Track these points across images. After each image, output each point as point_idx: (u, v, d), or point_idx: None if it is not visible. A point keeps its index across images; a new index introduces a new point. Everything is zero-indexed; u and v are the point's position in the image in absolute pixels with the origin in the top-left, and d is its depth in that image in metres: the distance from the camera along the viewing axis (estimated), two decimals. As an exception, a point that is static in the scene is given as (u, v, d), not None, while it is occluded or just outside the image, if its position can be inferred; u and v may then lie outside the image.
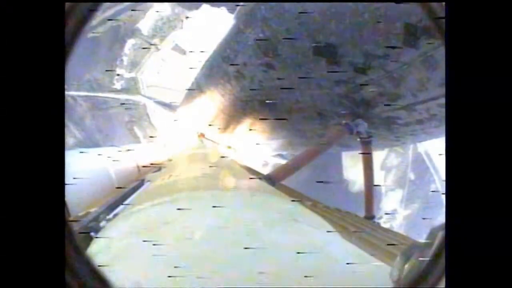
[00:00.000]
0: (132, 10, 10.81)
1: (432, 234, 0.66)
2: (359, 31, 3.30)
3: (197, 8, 10.97)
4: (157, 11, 10.86)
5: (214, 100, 7.19)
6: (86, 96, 11.53)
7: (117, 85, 11.62)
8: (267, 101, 5.52)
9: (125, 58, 11.57)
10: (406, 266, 0.67)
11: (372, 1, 3.03)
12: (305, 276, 0.79)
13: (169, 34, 11.39)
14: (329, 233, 1.44)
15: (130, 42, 11.48)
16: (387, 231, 2.93)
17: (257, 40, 4.41)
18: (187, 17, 11.31)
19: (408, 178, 16.08)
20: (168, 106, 13.26)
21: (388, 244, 2.05)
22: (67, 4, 0.58)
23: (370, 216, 5.08)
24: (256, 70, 4.89)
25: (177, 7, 11.33)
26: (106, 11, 10.86)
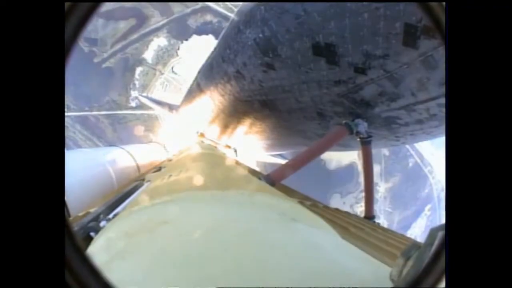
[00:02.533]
0: (137, 43, 13.71)
1: (432, 234, 0.66)
2: (359, 31, 3.30)
3: (187, 39, 14.07)
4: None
5: (214, 100, 7.19)
6: (106, 114, 14.12)
7: (133, 104, 14.42)
8: (267, 101, 5.52)
9: (136, 82, 14.45)
10: (406, 266, 0.67)
11: (372, 1, 3.03)
12: (305, 276, 0.79)
13: (169, 61, 14.42)
14: (328, 233, 1.44)
15: (138, 69, 14.41)
16: (387, 231, 2.93)
17: (257, 40, 4.41)
18: (178, 48, 14.33)
19: (383, 154, 16.46)
20: (168, 106, 13.35)
21: (388, 244, 2.05)
22: (67, 4, 0.58)
23: (370, 216, 5.08)
24: (256, 70, 4.89)
25: (172, 39, 14.28)
26: (114, 46, 13.73)
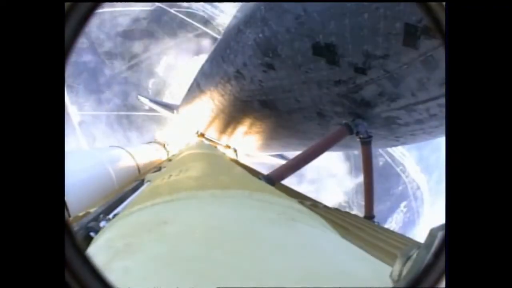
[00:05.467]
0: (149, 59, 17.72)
1: (432, 234, 0.66)
2: (359, 31, 3.31)
3: (189, 58, 17.84)
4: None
5: (214, 100, 7.19)
6: (125, 115, 17.78)
7: (146, 107, 17.17)
8: (267, 101, 5.52)
9: (150, 90, 18.15)
10: (406, 266, 0.67)
11: (372, 1, 3.03)
12: (305, 276, 0.79)
13: (175, 74, 18.12)
14: (328, 233, 1.44)
15: (151, 81, 18.30)
16: (387, 231, 2.93)
17: (257, 40, 4.41)
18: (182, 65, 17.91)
19: (352, 152, 17.81)
20: (168, 106, 13.36)
21: (388, 244, 2.05)
22: (67, 4, 0.58)
23: (370, 216, 5.08)
24: (256, 70, 4.89)
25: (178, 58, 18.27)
26: (131, 60, 17.75)
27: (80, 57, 16.57)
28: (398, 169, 18.58)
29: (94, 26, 16.33)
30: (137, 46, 17.68)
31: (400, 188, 18.75)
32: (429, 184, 18.80)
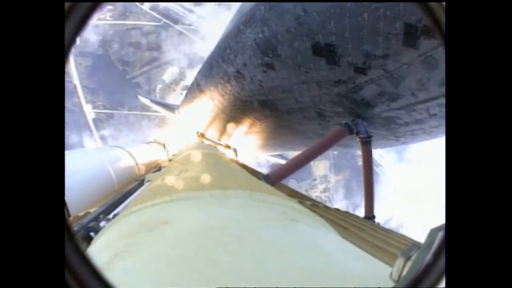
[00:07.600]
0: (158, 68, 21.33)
1: (432, 234, 0.66)
2: (359, 31, 3.31)
3: (190, 70, 20.78)
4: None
5: (214, 100, 7.19)
6: (135, 113, 21.02)
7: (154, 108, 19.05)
8: (267, 101, 5.52)
9: (157, 94, 21.32)
10: (406, 266, 0.67)
11: (372, 1, 3.03)
12: (305, 276, 0.79)
13: (180, 81, 21.43)
14: (328, 233, 1.44)
15: (158, 86, 21.53)
16: (387, 231, 2.93)
17: (257, 40, 4.41)
18: (185, 75, 21.07)
19: (332, 152, 19.45)
20: (168, 106, 13.37)
21: (388, 244, 2.05)
22: (67, 4, 0.58)
23: (370, 216, 5.09)
24: (256, 70, 4.89)
25: (181, 68, 21.44)
26: (141, 68, 21.19)
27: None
28: (377, 169, 20.07)
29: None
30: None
31: (380, 187, 20.05)
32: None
